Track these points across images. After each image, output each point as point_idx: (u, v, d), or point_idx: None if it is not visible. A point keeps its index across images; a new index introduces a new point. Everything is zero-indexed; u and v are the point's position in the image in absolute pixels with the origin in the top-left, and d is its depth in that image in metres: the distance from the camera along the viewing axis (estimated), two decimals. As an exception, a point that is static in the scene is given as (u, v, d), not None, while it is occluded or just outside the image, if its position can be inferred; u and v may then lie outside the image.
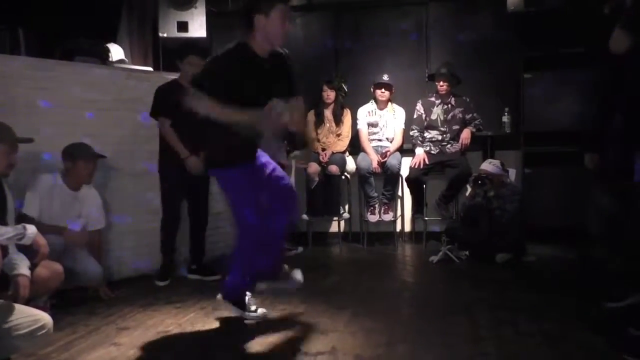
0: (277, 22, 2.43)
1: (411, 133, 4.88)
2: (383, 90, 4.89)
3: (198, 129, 3.00)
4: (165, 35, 4.69)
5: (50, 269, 2.77)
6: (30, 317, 2.09)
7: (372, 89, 4.96)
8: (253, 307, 2.82)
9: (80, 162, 3.26)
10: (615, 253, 3.02)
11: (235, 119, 2.44)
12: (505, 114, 4.88)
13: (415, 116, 4.89)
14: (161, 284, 3.69)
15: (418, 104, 4.90)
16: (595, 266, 3.77)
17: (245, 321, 2.78)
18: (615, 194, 2.95)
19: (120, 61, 4.36)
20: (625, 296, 2.83)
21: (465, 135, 4.71)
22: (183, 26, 4.69)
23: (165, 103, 3.63)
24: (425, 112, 4.85)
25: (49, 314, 2.82)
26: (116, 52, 4.44)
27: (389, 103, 4.99)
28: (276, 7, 2.42)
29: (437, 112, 4.81)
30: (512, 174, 4.52)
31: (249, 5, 2.49)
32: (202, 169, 3.46)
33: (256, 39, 2.53)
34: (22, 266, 2.34)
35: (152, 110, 3.73)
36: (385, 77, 4.88)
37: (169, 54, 4.66)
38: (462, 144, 4.71)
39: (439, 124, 4.80)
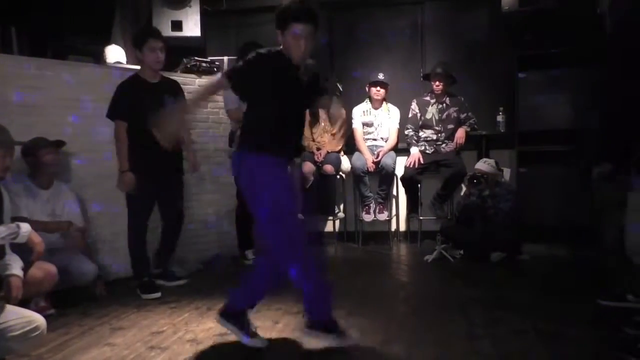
0: (290, 40, 2.35)
1: (406, 132, 4.89)
2: (378, 88, 4.89)
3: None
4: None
5: (43, 269, 2.76)
6: (23, 318, 2.08)
7: (367, 88, 4.96)
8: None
9: (41, 152, 3.16)
10: (610, 252, 3.03)
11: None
12: (500, 113, 4.89)
13: (410, 115, 4.89)
14: (151, 296, 3.34)
15: (413, 103, 4.90)
16: (587, 264, 3.80)
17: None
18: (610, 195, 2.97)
19: (117, 62, 4.34)
20: (622, 297, 2.84)
21: (460, 134, 4.72)
22: (177, 25, 4.67)
23: (125, 103, 3.32)
24: (420, 112, 4.85)
25: (51, 313, 2.85)
26: (114, 54, 4.41)
27: (384, 102, 5.00)
28: (289, 28, 2.34)
29: (432, 112, 4.81)
30: (507, 173, 4.54)
31: (275, 18, 2.41)
32: (131, 188, 3.29)
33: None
34: (15, 267, 2.33)
35: (108, 111, 3.36)
36: (381, 76, 4.88)
37: (140, 29, 4.62)
38: (456, 144, 4.72)
39: (434, 124, 4.81)
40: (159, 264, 3.70)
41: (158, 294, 3.36)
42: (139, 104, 3.24)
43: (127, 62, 4.62)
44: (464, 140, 4.71)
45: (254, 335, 2.47)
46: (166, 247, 3.70)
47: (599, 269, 3.50)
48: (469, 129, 4.75)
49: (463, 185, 4.79)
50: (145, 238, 3.53)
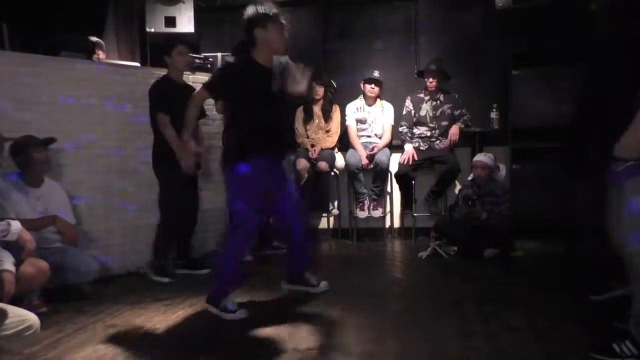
0: (274, 33, 2.75)
1: (400, 129, 4.89)
2: (373, 86, 4.89)
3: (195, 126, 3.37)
4: (152, 30, 4.64)
5: (35, 266, 2.74)
6: (17, 317, 2.06)
7: (361, 85, 4.96)
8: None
9: (31, 150, 3.14)
10: (599, 246, 3.06)
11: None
12: (494, 110, 4.90)
13: (404, 112, 4.90)
14: (165, 280, 3.62)
15: (407, 100, 4.90)
16: (581, 260, 3.82)
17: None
18: (595, 188, 2.99)
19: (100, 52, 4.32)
20: (608, 289, 2.86)
21: (454, 131, 4.73)
22: (171, 21, 4.64)
23: (163, 100, 3.60)
24: (414, 108, 4.86)
25: (44, 311, 2.83)
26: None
27: (378, 99, 5.00)
28: (272, 20, 2.73)
29: (426, 108, 4.82)
30: (503, 170, 4.55)
31: (249, 22, 2.76)
32: (194, 170, 3.47)
33: (259, 52, 2.80)
34: (7, 263, 2.31)
35: (152, 108, 3.64)
36: (376, 73, 4.88)
37: (156, 49, 4.61)
38: (450, 140, 4.73)
39: (428, 120, 4.81)
40: (181, 255, 3.90)
41: (167, 279, 3.62)
42: (172, 100, 3.52)
43: (120, 58, 4.60)
44: (457, 137, 4.72)
45: (235, 310, 2.78)
46: (185, 237, 3.90)
47: (591, 264, 3.52)
48: (462, 126, 4.77)
49: (457, 182, 4.82)
50: (176, 228, 3.78)
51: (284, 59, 2.87)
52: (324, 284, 3.25)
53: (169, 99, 3.56)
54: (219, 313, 2.80)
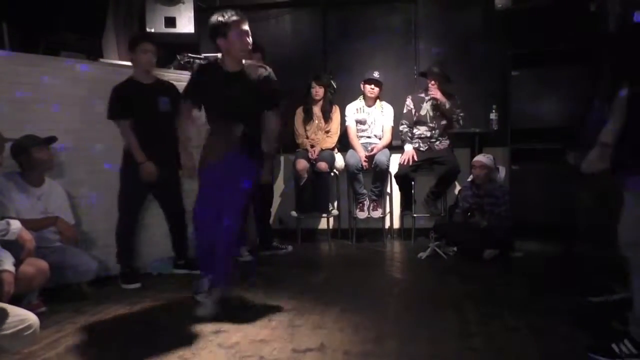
0: (235, 40, 2.81)
1: (401, 128, 4.89)
2: (373, 86, 4.89)
3: (162, 129, 3.41)
4: (152, 30, 4.64)
5: (35, 266, 2.74)
6: (16, 317, 2.06)
7: (361, 85, 4.96)
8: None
9: (32, 150, 3.14)
10: (599, 248, 3.06)
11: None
12: (493, 111, 4.90)
13: (405, 111, 4.90)
14: (130, 286, 3.51)
15: (408, 99, 4.91)
16: (579, 261, 3.82)
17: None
18: (595, 191, 2.99)
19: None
20: (609, 291, 2.86)
21: (439, 95, 4.69)
22: (171, 22, 4.64)
23: (122, 103, 3.49)
24: (414, 108, 4.86)
25: (43, 311, 2.83)
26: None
27: (378, 100, 5.00)
28: (231, 28, 2.78)
29: (426, 108, 4.82)
30: (502, 171, 4.56)
31: (210, 32, 2.85)
32: (155, 177, 3.51)
33: (224, 58, 2.91)
34: (7, 262, 2.31)
35: (108, 112, 3.52)
36: (376, 74, 4.88)
37: (135, 33, 4.60)
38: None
39: (428, 120, 4.81)
40: (179, 255, 3.88)
41: (137, 285, 3.53)
42: (133, 104, 3.48)
43: (120, 59, 4.59)
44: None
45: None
46: (177, 237, 3.86)
47: (590, 266, 3.52)
48: (453, 118, 4.73)
49: (456, 183, 4.82)
50: (135, 231, 3.71)
51: (266, 72, 2.93)
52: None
53: (128, 103, 3.47)
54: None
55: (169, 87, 3.72)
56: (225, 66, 2.89)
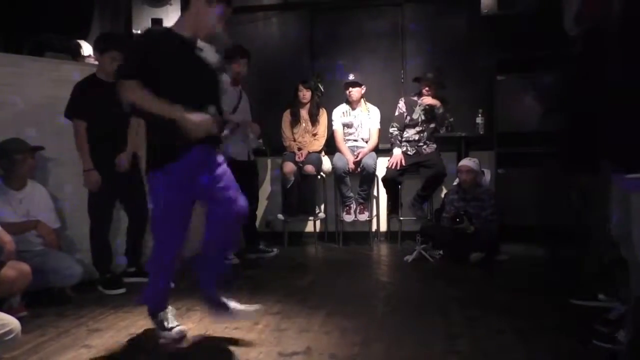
0: (213, 14, 2.36)
1: (391, 130, 4.90)
2: (350, 90, 4.91)
3: (121, 128, 3.36)
4: (139, 32, 4.60)
5: (16, 269, 2.71)
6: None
7: (345, 90, 4.98)
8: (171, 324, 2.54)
9: (16, 157, 3.11)
10: (584, 252, 3.09)
11: (168, 114, 2.26)
12: (479, 115, 4.94)
13: (396, 113, 4.91)
14: (120, 291, 3.43)
15: (401, 101, 4.92)
16: (564, 264, 3.86)
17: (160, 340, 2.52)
18: (579, 191, 3.02)
19: (90, 56, 4.27)
20: (594, 297, 2.89)
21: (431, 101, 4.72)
22: (158, 23, 4.61)
23: (83, 102, 3.40)
24: (407, 111, 4.87)
25: (24, 315, 2.79)
26: (86, 48, 4.35)
27: (363, 103, 5.01)
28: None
29: (418, 112, 4.84)
30: (488, 174, 4.59)
31: None
32: (97, 186, 3.40)
33: (185, 22, 2.42)
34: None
35: (66, 110, 3.43)
36: (351, 77, 4.91)
37: (108, 34, 4.53)
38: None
39: (419, 123, 4.84)
40: (131, 262, 3.74)
41: (122, 290, 3.45)
42: (96, 104, 3.36)
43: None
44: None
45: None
46: (133, 243, 3.73)
47: (575, 269, 3.56)
48: (443, 121, 4.77)
49: (443, 187, 4.84)
50: (108, 235, 3.60)
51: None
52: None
53: (89, 103, 3.38)
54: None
55: None
56: (182, 31, 2.40)
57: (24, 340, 2.42)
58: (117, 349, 2.47)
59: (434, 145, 4.84)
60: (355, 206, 4.92)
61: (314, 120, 4.95)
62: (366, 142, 4.99)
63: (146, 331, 2.69)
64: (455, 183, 4.47)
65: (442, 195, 4.79)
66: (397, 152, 4.81)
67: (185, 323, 2.78)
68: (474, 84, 5.12)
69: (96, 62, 3.78)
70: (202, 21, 2.37)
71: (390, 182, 4.81)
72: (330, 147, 5.05)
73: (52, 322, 2.83)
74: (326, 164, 4.98)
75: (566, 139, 2.75)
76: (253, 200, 4.58)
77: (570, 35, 2.91)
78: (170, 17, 4.61)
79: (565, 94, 2.86)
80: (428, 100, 4.72)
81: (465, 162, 4.38)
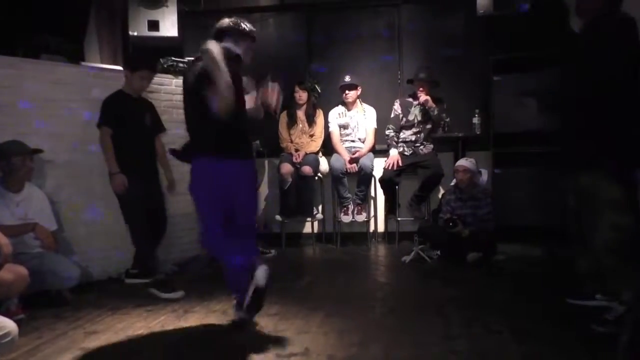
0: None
1: (387, 132, 4.91)
2: (346, 92, 4.91)
3: (147, 143, 3.61)
4: (135, 34, 4.60)
5: (13, 272, 2.70)
6: (-7, 324, 2.02)
7: (341, 92, 4.98)
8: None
9: (14, 159, 3.10)
10: (581, 252, 3.09)
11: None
12: (476, 115, 4.95)
13: (392, 115, 4.92)
14: (178, 294, 3.30)
15: (396, 103, 4.93)
16: (561, 264, 3.87)
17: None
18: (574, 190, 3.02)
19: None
20: (590, 296, 2.90)
21: (427, 99, 4.72)
22: (154, 25, 4.61)
23: (113, 114, 3.52)
24: (402, 112, 4.88)
25: (21, 318, 2.78)
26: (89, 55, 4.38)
27: (359, 103, 5.02)
28: (247, 40, 2.80)
29: (414, 113, 4.85)
30: (485, 174, 4.60)
31: (222, 32, 2.82)
32: (124, 188, 3.46)
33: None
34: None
35: (101, 120, 3.53)
36: (347, 79, 4.90)
37: (139, 53, 4.58)
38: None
39: (416, 124, 4.84)
40: (135, 265, 3.72)
41: (181, 293, 3.32)
42: (124, 114, 3.54)
43: (102, 62, 4.55)
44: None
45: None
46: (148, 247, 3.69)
47: (572, 269, 3.57)
48: (439, 121, 4.78)
49: (440, 187, 4.85)
50: (149, 236, 3.57)
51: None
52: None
53: (117, 115, 3.51)
54: None
55: (150, 105, 3.78)
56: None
57: (21, 342, 2.41)
58: (114, 351, 2.46)
59: (431, 146, 4.85)
60: (352, 207, 4.92)
61: (310, 121, 4.95)
62: (363, 142, 4.99)
63: (144, 333, 2.69)
64: (452, 183, 4.47)
65: (440, 196, 4.80)
66: (393, 152, 4.81)
67: (182, 325, 2.79)
68: (470, 84, 5.14)
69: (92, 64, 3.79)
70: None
71: (388, 182, 4.82)
72: (327, 148, 5.05)
73: (49, 325, 2.82)
74: (323, 165, 4.98)
75: (563, 139, 2.75)
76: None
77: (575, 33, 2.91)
78: (166, 19, 4.62)
79: (562, 93, 2.86)
80: (424, 97, 4.73)
81: (462, 162, 4.38)
